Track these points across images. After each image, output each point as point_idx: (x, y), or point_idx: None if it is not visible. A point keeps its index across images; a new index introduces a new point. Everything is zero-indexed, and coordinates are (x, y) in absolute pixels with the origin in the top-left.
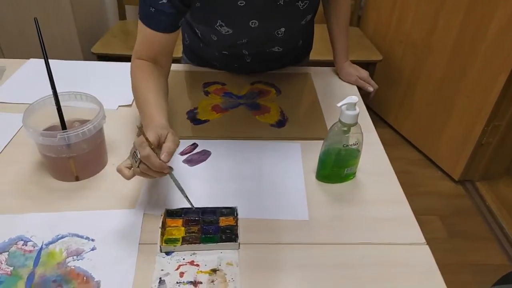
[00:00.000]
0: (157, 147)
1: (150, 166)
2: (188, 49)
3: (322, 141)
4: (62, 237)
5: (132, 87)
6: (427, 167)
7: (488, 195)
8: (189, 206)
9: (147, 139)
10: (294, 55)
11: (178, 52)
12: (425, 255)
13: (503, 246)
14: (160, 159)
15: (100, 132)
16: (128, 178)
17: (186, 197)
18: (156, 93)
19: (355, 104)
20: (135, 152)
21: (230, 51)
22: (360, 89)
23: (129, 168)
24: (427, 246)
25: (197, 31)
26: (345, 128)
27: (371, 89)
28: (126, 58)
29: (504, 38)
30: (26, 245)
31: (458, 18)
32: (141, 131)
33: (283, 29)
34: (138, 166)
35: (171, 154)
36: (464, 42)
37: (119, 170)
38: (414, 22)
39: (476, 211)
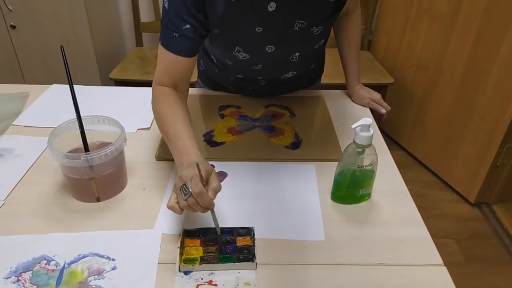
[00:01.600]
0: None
1: (200, 202)
2: (204, 74)
3: (336, 163)
4: (83, 257)
5: (158, 115)
6: (442, 189)
7: (505, 218)
8: (206, 226)
9: (201, 176)
10: (307, 78)
11: (194, 77)
12: (443, 276)
13: None
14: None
15: (121, 154)
16: (180, 213)
17: (220, 233)
18: (185, 123)
19: (369, 125)
20: (184, 185)
21: (245, 76)
22: (373, 111)
23: (177, 202)
24: (444, 267)
25: (212, 57)
26: (360, 149)
27: (383, 111)
28: (143, 84)
29: None
30: (49, 264)
31: (469, 40)
32: (198, 168)
33: (297, 54)
34: (186, 200)
35: (217, 193)
36: (476, 64)
37: (171, 207)
38: (425, 45)
39: (493, 234)
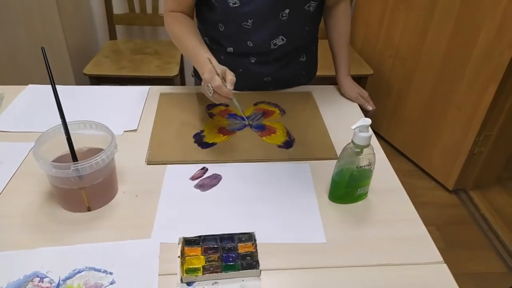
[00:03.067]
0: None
1: (220, 93)
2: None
3: (330, 161)
4: (79, 272)
5: (175, 35)
6: (421, 178)
7: (482, 204)
8: (205, 234)
9: (216, 71)
10: (295, 72)
11: (188, 70)
12: (443, 274)
13: (500, 254)
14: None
15: (112, 162)
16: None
17: (242, 112)
18: (199, 38)
19: (368, 126)
20: (207, 86)
21: (236, 47)
22: (360, 107)
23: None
24: (445, 264)
25: (205, 38)
26: (358, 150)
27: (370, 108)
28: (118, 79)
29: (492, 50)
30: (42, 282)
31: (446, 31)
32: (212, 63)
33: (287, 11)
34: (211, 96)
35: (233, 83)
36: (453, 55)
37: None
38: (403, 36)
39: (471, 219)
